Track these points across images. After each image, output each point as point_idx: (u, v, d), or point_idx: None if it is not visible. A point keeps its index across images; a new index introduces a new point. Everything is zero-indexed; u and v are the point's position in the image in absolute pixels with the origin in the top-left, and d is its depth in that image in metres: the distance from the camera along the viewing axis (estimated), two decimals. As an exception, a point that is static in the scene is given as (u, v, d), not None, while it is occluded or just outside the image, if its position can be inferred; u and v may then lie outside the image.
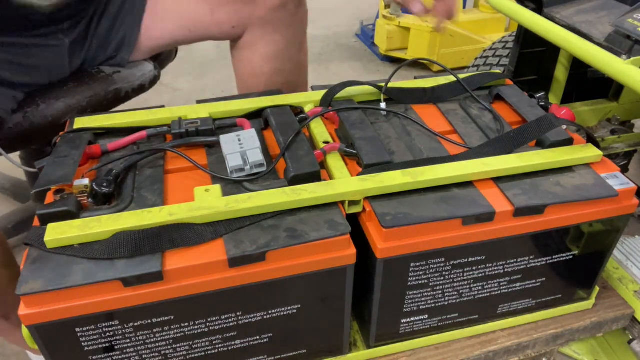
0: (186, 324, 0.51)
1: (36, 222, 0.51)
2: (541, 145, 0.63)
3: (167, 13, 0.88)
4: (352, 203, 0.55)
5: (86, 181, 0.53)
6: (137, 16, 0.86)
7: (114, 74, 0.87)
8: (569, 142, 0.62)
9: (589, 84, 0.94)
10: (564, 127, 0.65)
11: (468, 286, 0.61)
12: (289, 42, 0.93)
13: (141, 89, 0.91)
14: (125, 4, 0.85)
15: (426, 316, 0.62)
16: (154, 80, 0.94)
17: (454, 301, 0.62)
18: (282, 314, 0.54)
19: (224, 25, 0.90)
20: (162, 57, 0.99)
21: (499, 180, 0.58)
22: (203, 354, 0.55)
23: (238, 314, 0.53)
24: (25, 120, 0.78)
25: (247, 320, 0.53)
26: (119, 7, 0.85)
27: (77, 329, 0.48)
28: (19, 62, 0.77)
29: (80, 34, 0.84)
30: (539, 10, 0.83)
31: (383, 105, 0.69)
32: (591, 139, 0.65)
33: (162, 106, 0.69)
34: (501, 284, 0.62)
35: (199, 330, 0.52)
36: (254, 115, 0.67)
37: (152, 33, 0.88)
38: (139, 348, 0.51)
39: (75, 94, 0.82)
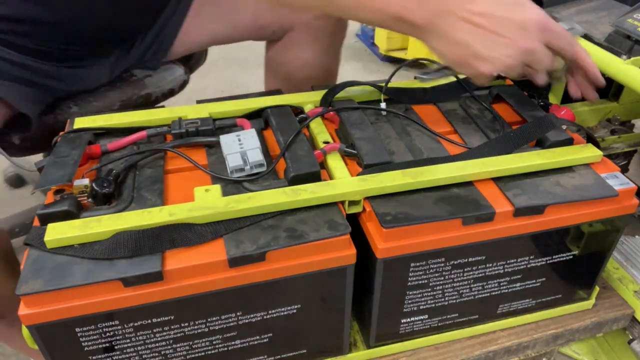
0: (186, 324, 0.51)
1: (36, 222, 0.51)
2: (541, 145, 0.63)
3: (210, 17, 0.87)
4: (352, 203, 0.55)
5: (86, 181, 0.53)
6: (179, 21, 0.85)
7: (145, 78, 0.87)
8: (569, 142, 0.62)
9: (589, 84, 0.94)
10: (564, 127, 0.65)
11: (468, 286, 0.61)
12: (326, 51, 0.92)
13: (171, 93, 0.91)
14: (170, 15, 0.84)
15: (426, 316, 0.62)
16: (184, 85, 0.94)
17: (454, 301, 0.62)
18: (282, 314, 0.54)
19: (265, 29, 0.89)
20: (192, 62, 0.99)
21: (498, 180, 0.58)
22: (203, 354, 0.55)
23: (238, 314, 0.53)
24: (56, 122, 0.78)
25: (247, 320, 0.53)
26: (165, 20, 0.84)
27: (77, 329, 0.48)
28: (60, 73, 0.76)
29: (126, 48, 0.84)
30: (539, 10, 0.83)
31: (383, 105, 0.69)
32: (591, 139, 0.64)
33: (162, 106, 0.69)
34: (501, 284, 0.62)
35: (199, 330, 0.52)
36: (254, 115, 0.67)
37: (190, 36, 0.88)
38: (139, 348, 0.51)
39: (107, 97, 0.82)
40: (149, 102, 0.88)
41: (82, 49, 0.77)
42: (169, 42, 0.86)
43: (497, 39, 0.54)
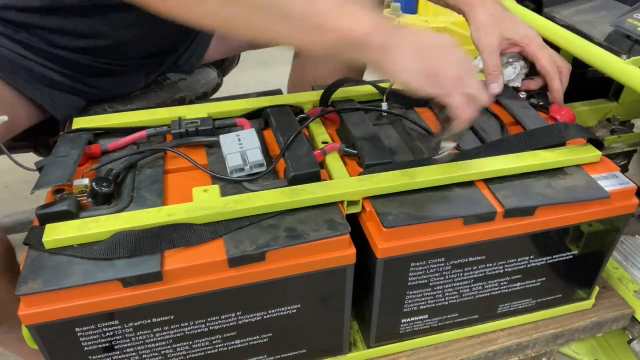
0: (186, 324, 0.51)
1: (36, 222, 0.50)
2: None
3: None
4: (352, 203, 0.55)
5: (86, 181, 0.53)
6: None
7: (180, 82, 0.87)
8: (561, 143, 0.62)
9: (589, 84, 0.94)
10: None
11: (468, 286, 0.61)
12: None
13: (204, 96, 0.91)
14: None
15: (426, 316, 0.62)
16: (217, 88, 0.94)
17: (454, 301, 0.62)
18: (282, 314, 0.54)
19: None
20: (226, 65, 0.99)
21: (490, 181, 0.58)
22: (203, 354, 0.54)
23: (238, 314, 0.52)
24: None
25: (247, 320, 0.53)
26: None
27: (77, 329, 0.48)
28: (96, 81, 0.76)
29: (164, 57, 0.84)
30: (539, 10, 0.83)
31: (384, 106, 0.69)
32: (595, 141, 0.64)
33: (159, 105, 0.69)
34: (501, 284, 0.62)
35: (199, 330, 0.52)
36: (254, 115, 0.67)
37: (227, 41, 0.87)
38: (139, 348, 0.51)
39: (143, 100, 0.82)
40: (184, 105, 0.87)
41: (125, 64, 0.77)
42: (204, 48, 0.86)
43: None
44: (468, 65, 0.54)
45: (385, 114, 0.69)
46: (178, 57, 0.85)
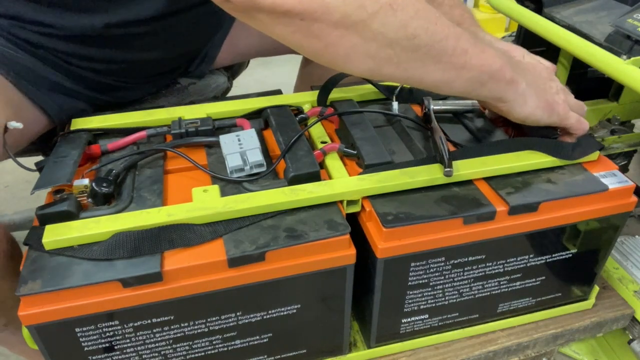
0: (186, 324, 0.51)
1: (36, 222, 0.50)
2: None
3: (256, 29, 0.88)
4: (351, 203, 0.55)
5: (86, 181, 0.53)
6: (225, 32, 0.85)
7: (190, 86, 0.86)
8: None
9: (589, 84, 0.94)
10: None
11: (468, 285, 0.61)
12: None
13: (214, 100, 0.90)
14: (218, 26, 0.84)
15: (426, 316, 0.62)
16: (226, 92, 0.94)
17: (454, 301, 0.62)
18: (282, 314, 0.54)
19: None
20: (235, 68, 0.99)
21: (491, 179, 0.58)
22: (203, 354, 0.55)
23: (238, 314, 0.53)
24: None
25: (247, 320, 0.53)
26: (212, 32, 0.84)
27: (77, 329, 0.48)
28: (108, 94, 0.77)
29: (174, 71, 0.84)
30: (539, 10, 0.83)
31: (395, 104, 0.68)
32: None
33: (162, 106, 0.69)
34: (501, 283, 0.62)
35: (199, 330, 0.52)
36: (254, 115, 0.67)
37: (236, 48, 0.88)
38: (139, 348, 0.51)
39: (152, 105, 0.82)
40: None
41: (139, 81, 0.78)
42: (214, 54, 0.86)
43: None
44: (563, 86, 0.62)
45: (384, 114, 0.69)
46: (188, 64, 0.85)
